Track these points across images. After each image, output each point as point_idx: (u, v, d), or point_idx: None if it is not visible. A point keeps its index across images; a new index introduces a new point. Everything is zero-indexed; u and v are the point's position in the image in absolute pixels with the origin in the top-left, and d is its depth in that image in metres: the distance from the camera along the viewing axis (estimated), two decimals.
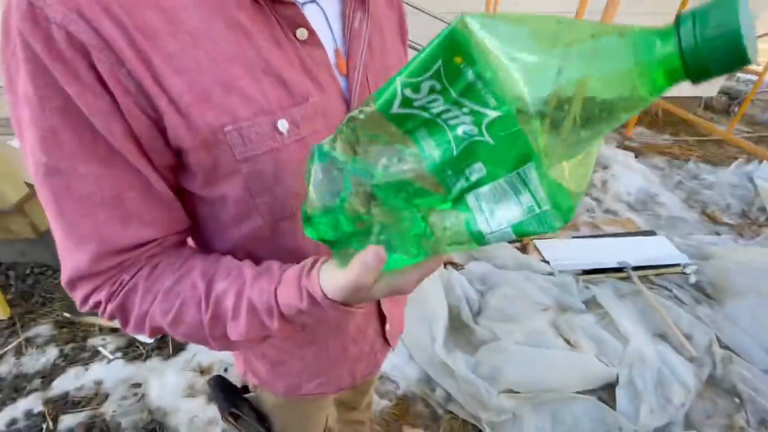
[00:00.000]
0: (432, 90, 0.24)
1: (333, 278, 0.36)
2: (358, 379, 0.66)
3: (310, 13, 0.41)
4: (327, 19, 0.42)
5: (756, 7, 3.26)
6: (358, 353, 0.63)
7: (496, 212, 0.26)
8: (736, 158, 3.01)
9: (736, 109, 3.87)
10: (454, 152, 0.25)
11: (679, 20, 0.17)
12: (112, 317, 0.41)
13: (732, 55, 0.15)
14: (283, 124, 0.38)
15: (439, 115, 0.25)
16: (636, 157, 3.07)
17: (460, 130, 0.25)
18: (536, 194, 0.24)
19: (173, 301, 0.40)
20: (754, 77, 4.67)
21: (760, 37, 3.39)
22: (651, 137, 3.46)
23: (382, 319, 0.65)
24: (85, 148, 0.33)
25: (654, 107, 3.62)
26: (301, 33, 0.38)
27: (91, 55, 0.30)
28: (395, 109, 0.25)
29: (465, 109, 0.24)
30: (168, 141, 0.35)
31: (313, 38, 0.39)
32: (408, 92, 0.24)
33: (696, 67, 0.16)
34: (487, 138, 0.24)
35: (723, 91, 4.15)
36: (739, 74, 4.83)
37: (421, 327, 1.60)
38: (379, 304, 0.62)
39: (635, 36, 0.18)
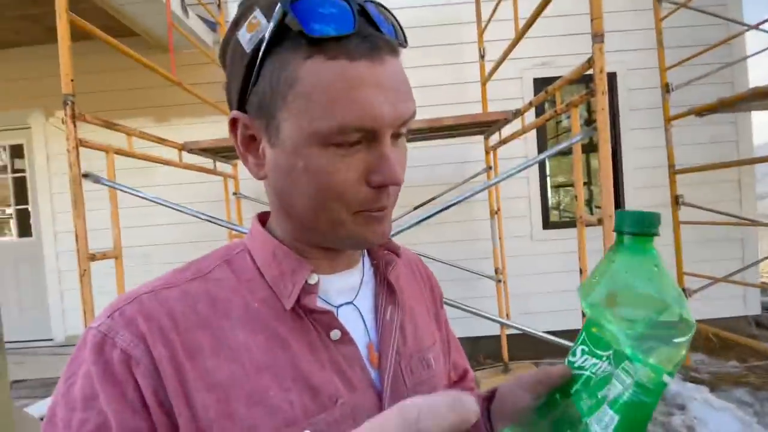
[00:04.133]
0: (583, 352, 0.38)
1: None
2: None
3: (345, 313, 0.43)
4: (362, 315, 0.44)
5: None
6: None
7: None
8: None
9: None
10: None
11: (619, 224, 0.35)
12: None
13: (653, 224, 0.34)
14: None
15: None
16: (711, 391, 2.57)
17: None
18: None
19: None
20: None
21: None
22: (717, 365, 3.02)
23: None
24: None
25: (704, 330, 3.28)
26: (335, 334, 0.40)
27: (139, 371, 0.33)
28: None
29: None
30: None
31: (345, 337, 0.41)
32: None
33: (640, 232, 0.34)
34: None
35: (765, 307, 3.91)
36: None
37: None
38: None
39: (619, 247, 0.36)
